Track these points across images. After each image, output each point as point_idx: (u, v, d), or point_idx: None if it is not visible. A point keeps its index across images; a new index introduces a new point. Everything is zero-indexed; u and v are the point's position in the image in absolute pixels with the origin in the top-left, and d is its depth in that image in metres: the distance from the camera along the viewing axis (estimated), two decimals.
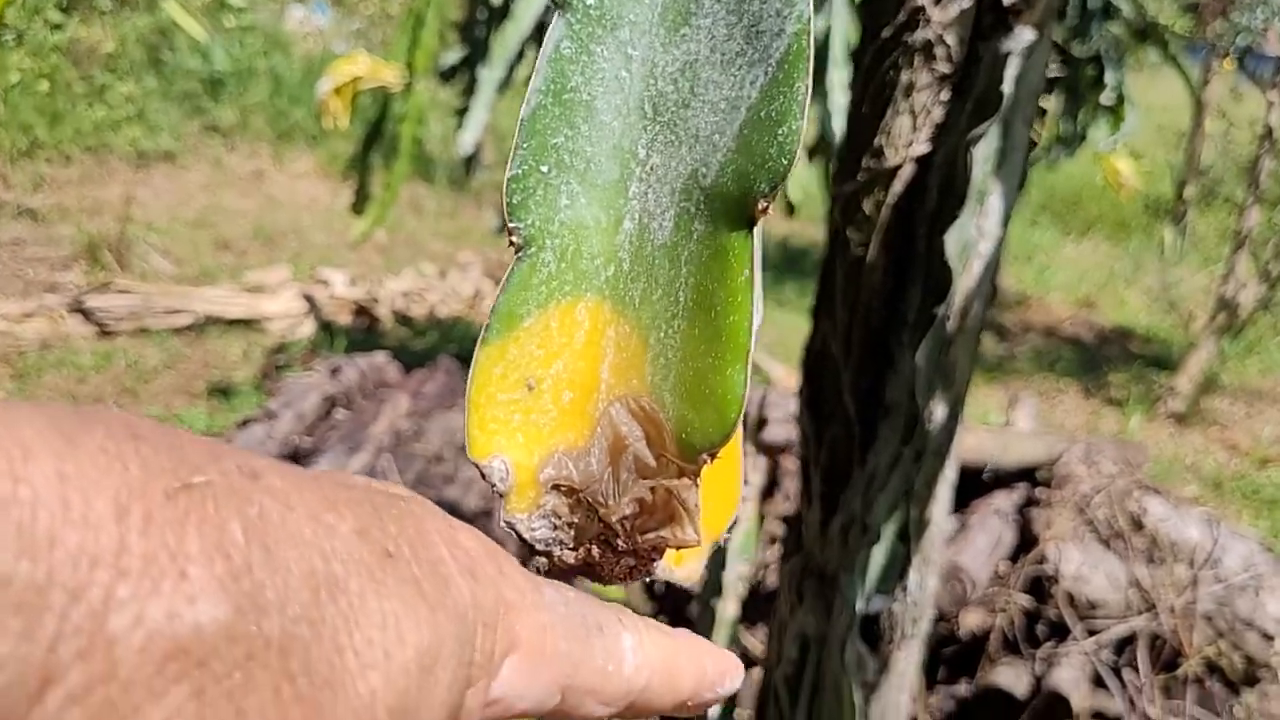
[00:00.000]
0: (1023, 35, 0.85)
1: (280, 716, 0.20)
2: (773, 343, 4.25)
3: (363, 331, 4.24)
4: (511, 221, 0.35)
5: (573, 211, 0.36)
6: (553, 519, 0.34)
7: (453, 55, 3.15)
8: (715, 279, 0.34)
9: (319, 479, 0.24)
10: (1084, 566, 1.98)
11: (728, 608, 1.02)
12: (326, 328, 4.12)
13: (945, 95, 0.89)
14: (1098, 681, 1.91)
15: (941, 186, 0.89)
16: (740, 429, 0.39)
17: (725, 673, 0.34)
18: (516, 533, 0.35)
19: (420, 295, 4.53)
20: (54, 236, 4.61)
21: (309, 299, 4.23)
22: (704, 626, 1.03)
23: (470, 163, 3.01)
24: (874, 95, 0.90)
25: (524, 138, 0.35)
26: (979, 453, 2.20)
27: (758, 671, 1.12)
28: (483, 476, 0.35)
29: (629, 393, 0.35)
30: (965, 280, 0.92)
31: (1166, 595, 1.95)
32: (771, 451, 2.17)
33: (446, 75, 3.18)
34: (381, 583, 0.23)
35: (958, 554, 2.00)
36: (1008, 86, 0.84)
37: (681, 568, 0.38)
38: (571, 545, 0.35)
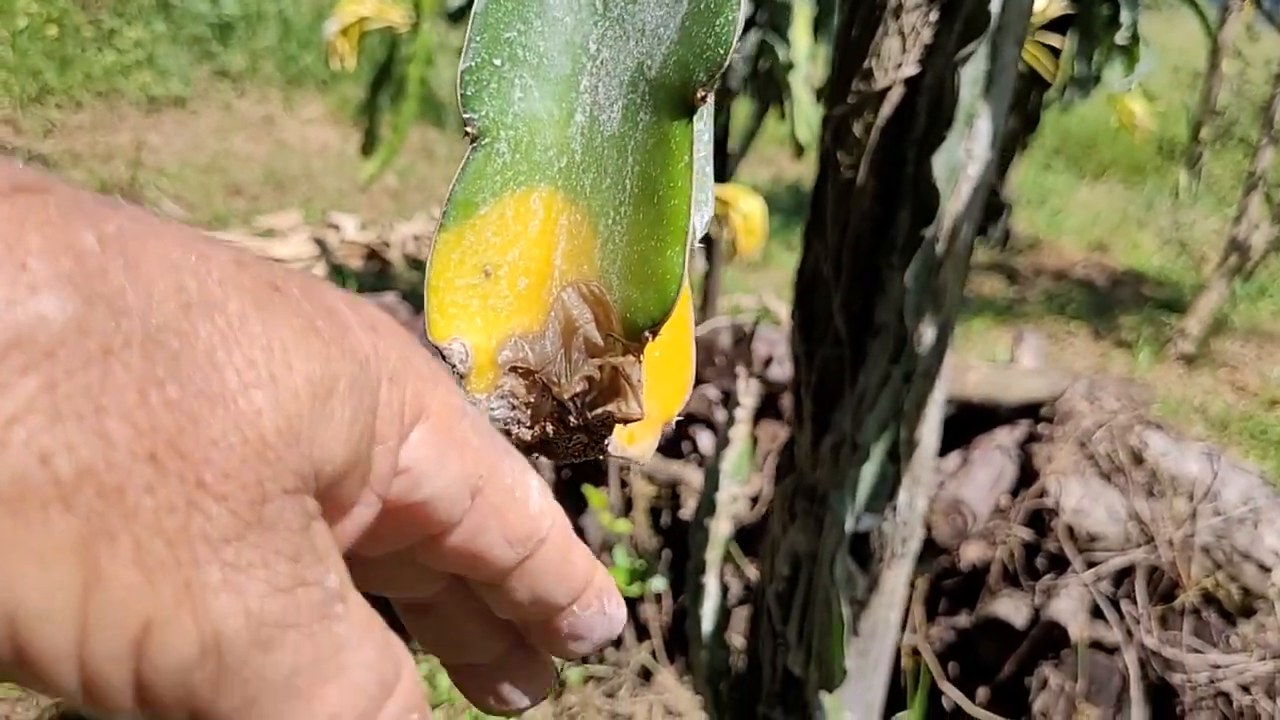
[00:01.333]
0: None
1: (149, 420, 0.18)
2: (782, 285, 4.25)
3: (374, 275, 4.26)
4: (466, 112, 0.37)
5: (526, 104, 0.37)
6: (511, 399, 0.37)
7: None
8: (658, 166, 0.36)
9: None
10: (1084, 500, 1.99)
11: (721, 527, 1.04)
12: (338, 271, 4.14)
13: (934, 16, 0.89)
14: (1096, 612, 1.93)
15: (930, 109, 0.90)
16: (690, 314, 0.41)
17: (612, 592, 0.31)
18: None
19: (431, 239, 4.54)
20: (65, 182, 4.62)
21: (320, 243, 4.24)
22: (698, 545, 1.05)
23: None
24: (864, 17, 0.91)
25: (476, 31, 0.37)
26: (982, 389, 2.21)
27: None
28: (442, 358, 0.37)
29: (580, 278, 0.37)
30: (953, 203, 0.92)
31: (1165, 528, 1.97)
32: (775, 390, 2.18)
33: (455, 16, 3.16)
34: (266, 309, 0.21)
35: (959, 488, 2.02)
36: (995, 6, 0.84)
37: (634, 446, 0.40)
38: (528, 424, 0.37)
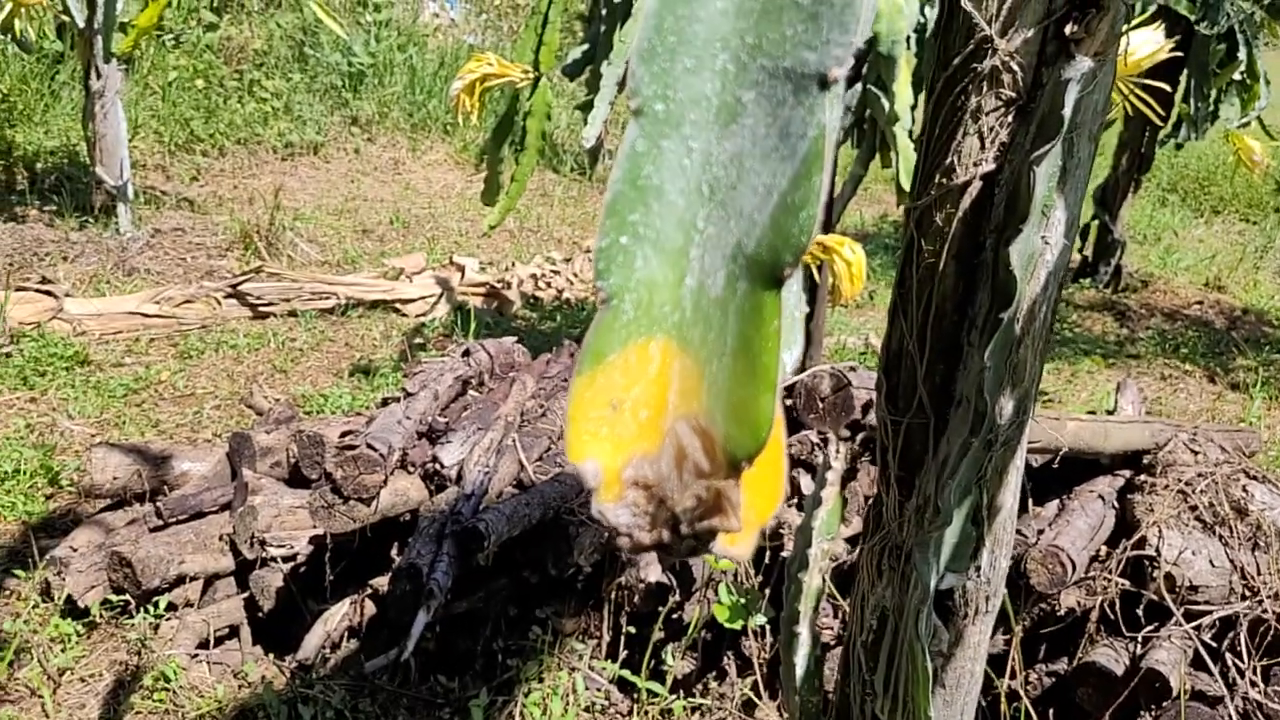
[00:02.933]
0: (1082, 63, 0.94)
1: None
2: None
3: (493, 314, 4.44)
4: (598, 281, 0.47)
5: (646, 271, 0.48)
6: (633, 508, 0.46)
7: (576, 51, 3.29)
8: (753, 327, 0.46)
9: None
10: (1185, 551, 2.01)
11: (813, 580, 1.13)
12: (460, 310, 4.33)
13: (1011, 118, 0.98)
14: (1197, 664, 1.94)
15: (1007, 202, 0.98)
16: (782, 433, 0.50)
17: None
18: (605, 519, 0.47)
19: (548, 280, 4.72)
20: (211, 225, 4.94)
21: (443, 283, 4.45)
22: (792, 596, 1.14)
23: (595, 153, 3.14)
24: (945, 118, 1.00)
25: (607, 216, 0.47)
26: (1082, 438, 2.24)
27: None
28: (579, 475, 0.48)
29: (690, 413, 0.47)
30: (1031, 287, 1.00)
31: (1270, 581, 1.97)
32: (874, 434, 2.24)
33: (570, 71, 3.32)
34: None
35: (1057, 536, 2.05)
36: (1068, 110, 0.92)
37: (735, 546, 0.49)
38: (647, 529, 0.47)
